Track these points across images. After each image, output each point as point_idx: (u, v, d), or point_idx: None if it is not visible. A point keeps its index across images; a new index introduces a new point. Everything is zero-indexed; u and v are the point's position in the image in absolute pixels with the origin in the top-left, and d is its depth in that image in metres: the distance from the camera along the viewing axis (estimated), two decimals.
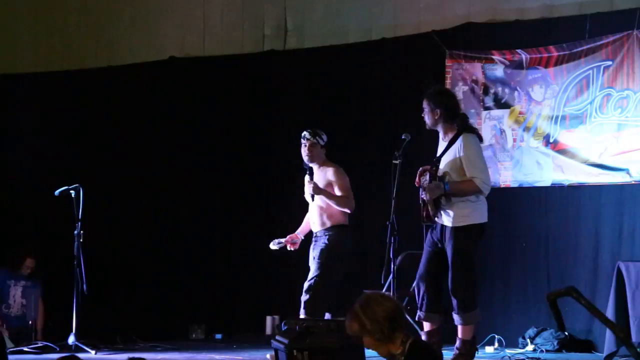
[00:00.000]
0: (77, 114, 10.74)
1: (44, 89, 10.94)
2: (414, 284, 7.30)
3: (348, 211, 7.74)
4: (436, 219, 7.10)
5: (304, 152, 7.82)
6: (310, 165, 7.85)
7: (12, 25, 11.33)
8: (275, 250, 8.05)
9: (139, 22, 11.00)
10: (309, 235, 8.00)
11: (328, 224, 7.74)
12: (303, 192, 7.98)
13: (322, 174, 7.80)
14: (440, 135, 7.25)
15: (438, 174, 7.05)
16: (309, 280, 7.70)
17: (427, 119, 7.19)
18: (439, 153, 7.19)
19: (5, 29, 11.33)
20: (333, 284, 7.76)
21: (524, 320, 8.87)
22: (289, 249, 8.04)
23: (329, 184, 7.76)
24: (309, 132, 7.80)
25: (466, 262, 7.01)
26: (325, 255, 7.68)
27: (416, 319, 7.26)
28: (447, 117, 7.11)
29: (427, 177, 7.08)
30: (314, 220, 7.81)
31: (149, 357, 6.70)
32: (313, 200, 7.78)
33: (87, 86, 10.82)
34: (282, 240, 8.01)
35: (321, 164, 7.84)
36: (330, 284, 7.74)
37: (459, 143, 7.03)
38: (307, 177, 7.79)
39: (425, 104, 7.19)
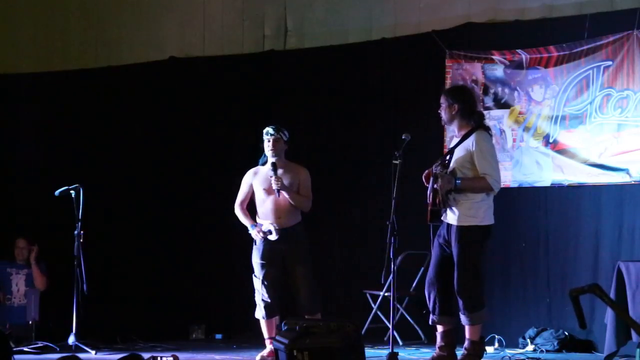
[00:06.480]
0: (77, 114, 10.74)
1: (44, 89, 10.93)
2: (425, 289, 7.27)
3: (305, 211, 7.92)
4: (442, 217, 7.12)
5: (268, 147, 7.88)
6: (274, 159, 7.91)
7: (12, 25, 11.32)
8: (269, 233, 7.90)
9: (139, 22, 10.99)
10: None
11: (299, 219, 7.92)
12: None
13: (291, 174, 7.91)
14: (455, 132, 7.27)
15: (448, 169, 7.04)
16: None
17: (444, 114, 7.19)
18: (451, 147, 7.21)
19: (5, 29, 11.33)
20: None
21: (524, 320, 8.87)
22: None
23: (297, 184, 7.90)
24: (272, 127, 7.88)
25: (472, 261, 7.01)
26: (304, 251, 7.88)
27: (430, 323, 7.28)
28: (464, 113, 7.11)
29: (438, 165, 7.05)
30: (279, 215, 7.86)
31: (149, 357, 6.68)
32: (279, 195, 7.85)
33: (87, 86, 10.81)
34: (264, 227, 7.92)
35: (286, 162, 7.94)
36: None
37: (472, 139, 7.04)
38: (270, 172, 7.86)
39: (443, 100, 7.19)
